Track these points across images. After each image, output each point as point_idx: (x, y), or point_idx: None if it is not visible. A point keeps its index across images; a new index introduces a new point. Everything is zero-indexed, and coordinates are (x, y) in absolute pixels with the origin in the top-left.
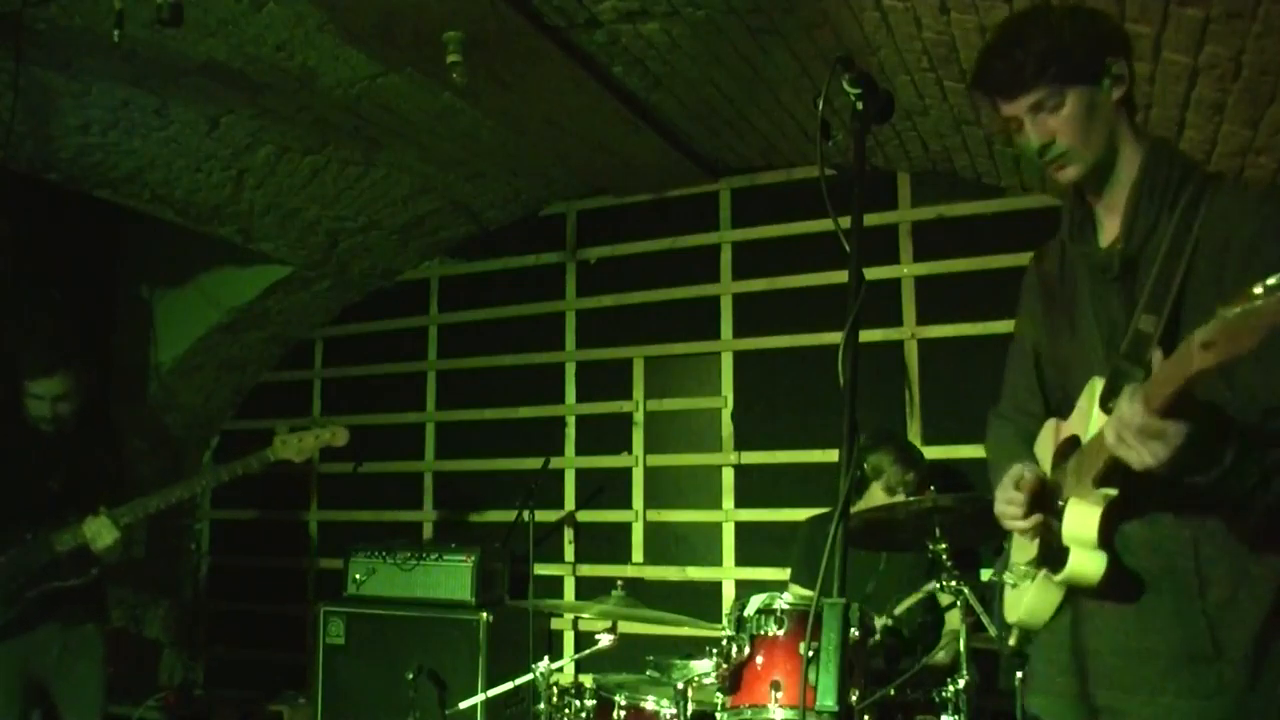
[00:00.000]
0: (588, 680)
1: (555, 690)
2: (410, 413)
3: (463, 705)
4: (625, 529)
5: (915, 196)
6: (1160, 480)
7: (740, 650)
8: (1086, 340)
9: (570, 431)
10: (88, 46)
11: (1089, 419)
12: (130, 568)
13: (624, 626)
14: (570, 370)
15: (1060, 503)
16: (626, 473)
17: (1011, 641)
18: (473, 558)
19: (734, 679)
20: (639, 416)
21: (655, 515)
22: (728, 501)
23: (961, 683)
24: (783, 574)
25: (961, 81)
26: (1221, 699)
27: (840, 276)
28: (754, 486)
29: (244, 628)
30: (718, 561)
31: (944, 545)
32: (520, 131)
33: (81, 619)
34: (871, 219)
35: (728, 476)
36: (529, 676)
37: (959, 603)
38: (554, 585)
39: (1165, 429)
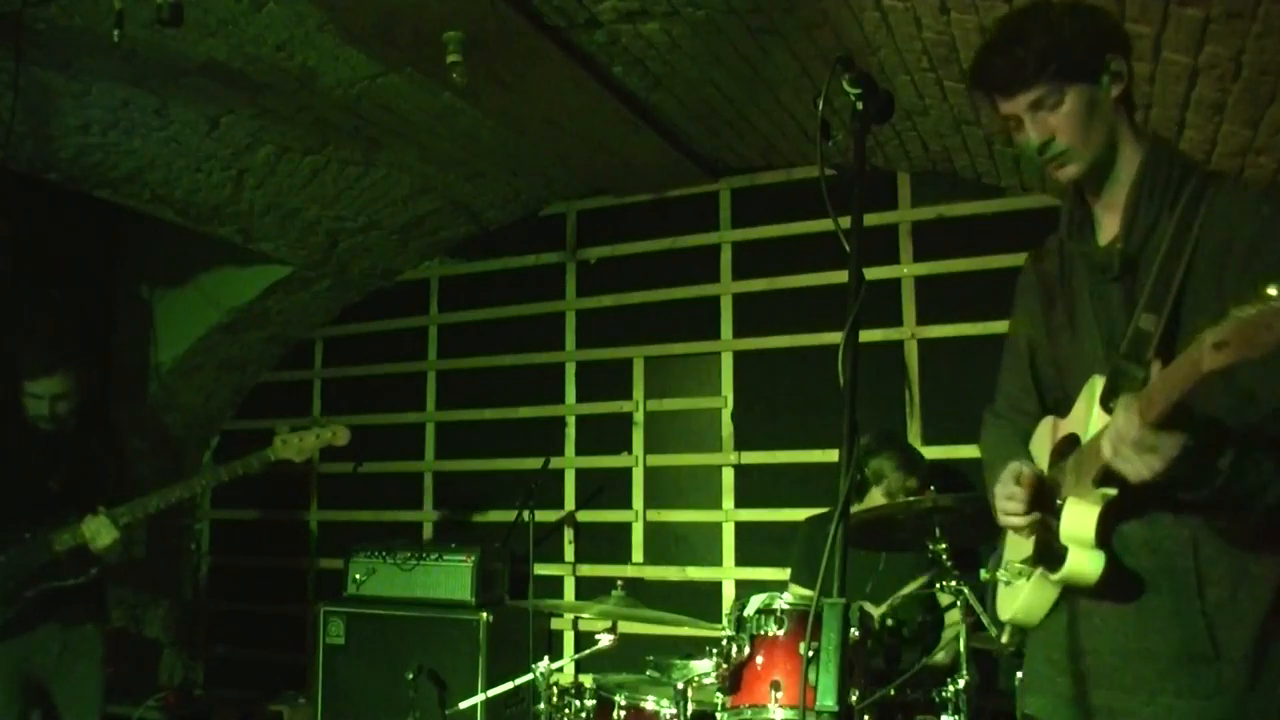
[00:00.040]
0: (588, 680)
1: (555, 690)
2: (410, 413)
3: (463, 705)
4: (625, 529)
5: (915, 196)
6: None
7: (740, 650)
8: (1086, 339)
9: (570, 431)
10: (88, 46)
11: (1088, 418)
12: (130, 568)
13: (624, 626)
14: (570, 370)
15: (1058, 501)
16: (626, 473)
17: (1004, 639)
18: (473, 558)
19: (734, 679)
20: (639, 416)
21: (655, 515)
22: (728, 501)
23: (961, 683)
24: (783, 574)
25: (961, 81)
26: (1221, 699)
27: (840, 276)
28: (754, 486)
29: (244, 628)
30: (718, 561)
31: (944, 545)
32: (520, 131)
33: (81, 619)
34: (871, 219)
35: (728, 476)
36: (529, 676)
37: (959, 603)
38: (554, 585)
39: (1159, 442)
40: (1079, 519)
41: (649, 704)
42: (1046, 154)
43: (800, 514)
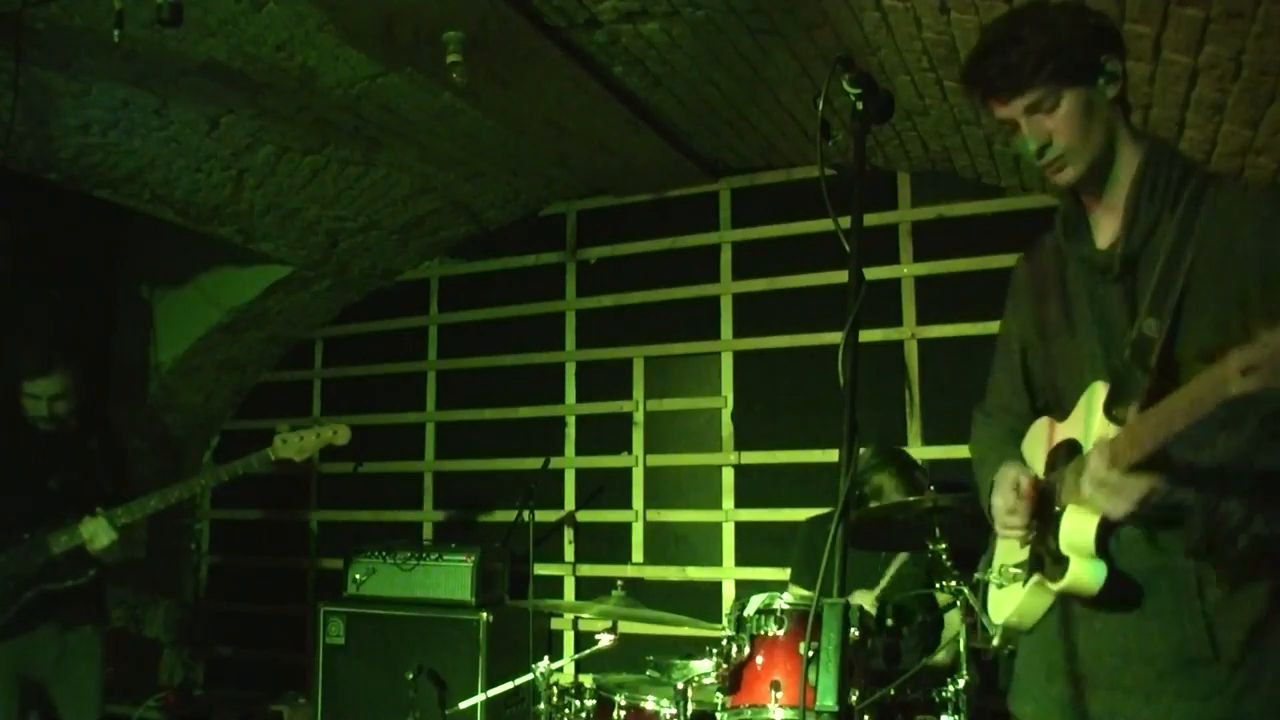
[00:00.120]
0: (588, 680)
1: (555, 690)
2: (410, 413)
3: (463, 705)
4: (625, 529)
5: (915, 196)
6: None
7: (740, 650)
8: (1084, 341)
9: (570, 431)
10: (88, 46)
11: (1089, 425)
12: (130, 568)
13: (624, 626)
14: (570, 370)
15: (1057, 508)
16: (626, 473)
17: (995, 642)
18: (473, 558)
19: (734, 679)
20: (639, 416)
21: (655, 515)
22: (728, 501)
23: (961, 683)
24: (783, 574)
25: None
26: (1220, 700)
27: (840, 276)
28: (754, 486)
29: (244, 628)
30: (718, 561)
31: (944, 545)
32: (520, 131)
33: (80, 620)
34: (871, 219)
35: (728, 476)
36: (529, 676)
37: (959, 603)
38: (554, 585)
39: (1124, 485)
40: (1079, 528)
41: (649, 704)
42: (1044, 158)
43: (800, 514)
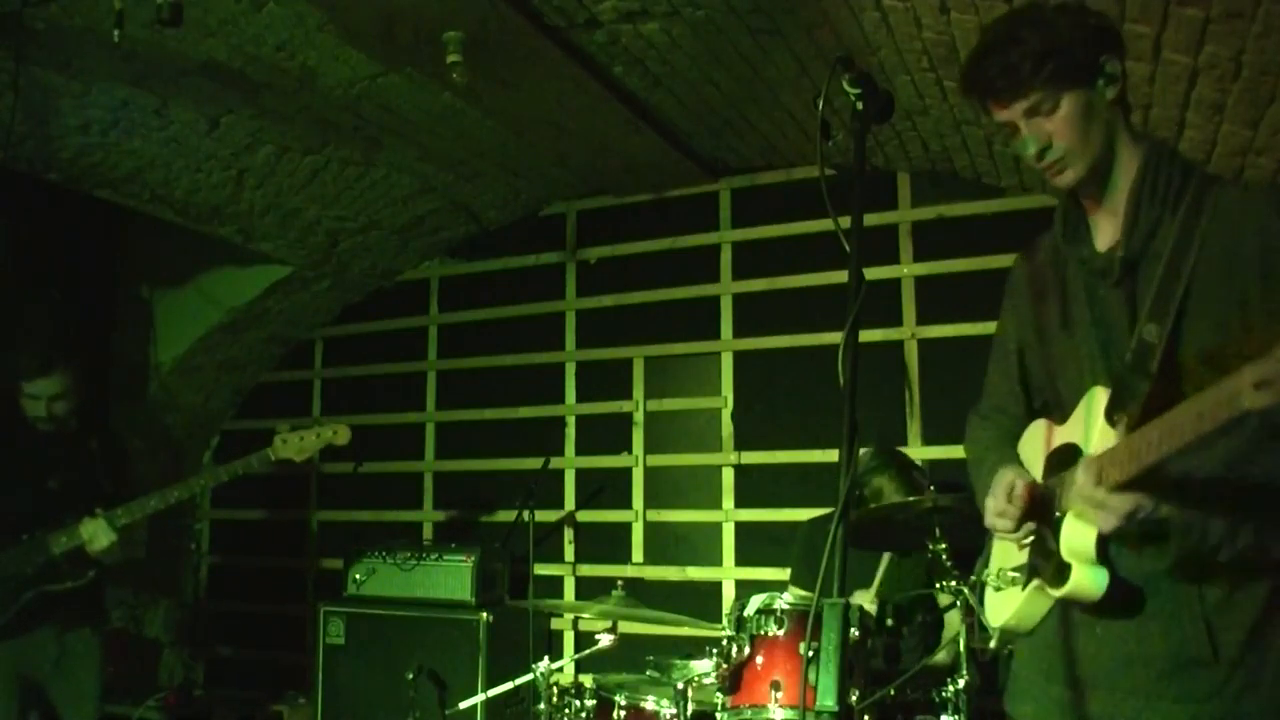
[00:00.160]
0: (588, 680)
1: (555, 690)
2: (410, 413)
3: (463, 705)
4: (625, 529)
5: (915, 196)
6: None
7: (740, 650)
8: (1082, 344)
9: (570, 431)
10: (88, 46)
11: (1090, 430)
12: (130, 568)
13: (624, 626)
14: (570, 370)
15: (1057, 514)
16: (626, 473)
17: (992, 644)
18: (473, 558)
19: (734, 679)
20: (639, 416)
21: (655, 515)
22: (728, 501)
23: (961, 683)
24: (783, 574)
25: None
26: (1220, 701)
27: (840, 276)
28: (754, 486)
29: (244, 628)
30: (718, 561)
31: (944, 545)
32: (520, 131)
33: (79, 621)
34: (871, 219)
35: (728, 476)
36: (529, 676)
37: (959, 603)
38: (554, 585)
39: (1110, 501)
40: (1080, 535)
41: (649, 704)
42: (1044, 160)
43: (800, 514)
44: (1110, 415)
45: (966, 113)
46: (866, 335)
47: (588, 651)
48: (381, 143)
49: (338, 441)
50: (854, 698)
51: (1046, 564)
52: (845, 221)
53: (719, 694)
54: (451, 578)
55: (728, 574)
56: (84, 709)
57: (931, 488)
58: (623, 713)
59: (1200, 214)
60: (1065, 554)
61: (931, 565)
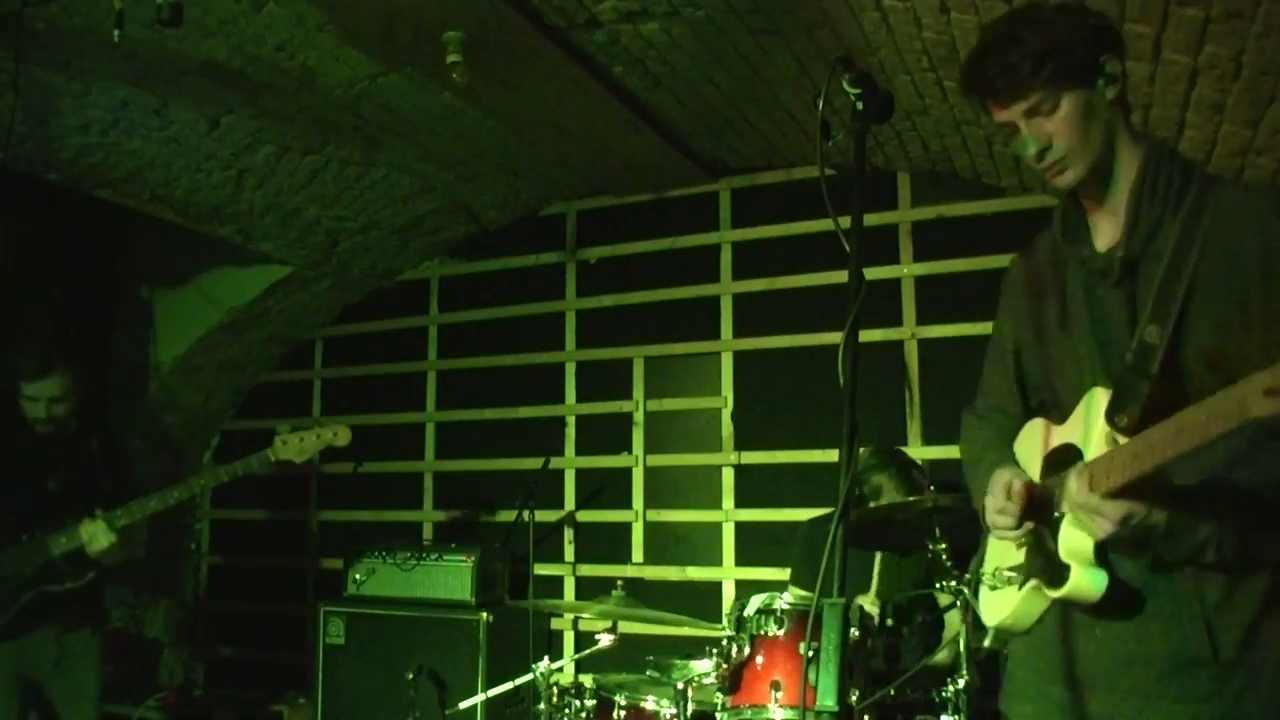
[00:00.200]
0: (588, 680)
1: (555, 690)
2: (410, 413)
3: (463, 705)
4: (625, 529)
5: (915, 196)
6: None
7: (740, 650)
8: (1081, 344)
9: (570, 431)
10: (88, 46)
11: (1089, 431)
12: (130, 568)
13: (624, 626)
14: (570, 370)
15: (1056, 514)
16: (626, 473)
17: (987, 643)
18: (473, 558)
19: (734, 679)
20: (639, 416)
21: (655, 515)
22: (728, 501)
23: (961, 683)
24: (783, 574)
25: None
26: (1220, 701)
27: (840, 276)
28: (754, 486)
29: (244, 628)
30: (718, 561)
31: (944, 545)
32: (520, 131)
33: (78, 622)
34: (871, 219)
35: (728, 476)
36: (529, 676)
37: (959, 603)
38: (554, 585)
39: (1103, 507)
40: (1079, 537)
41: (649, 704)
42: (1044, 160)
43: (800, 514)
44: (1111, 416)
45: (966, 113)
46: (866, 335)
47: (588, 651)
48: (381, 143)
49: (338, 443)
50: (854, 698)
51: (1044, 564)
52: (845, 221)
53: (719, 694)
54: (451, 578)
55: (728, 574)
56: (83, 709)
57: (931, 488)
58: (623, 713)
59: (1201, 215)
60: (1064, 555)
61: (931, 565)
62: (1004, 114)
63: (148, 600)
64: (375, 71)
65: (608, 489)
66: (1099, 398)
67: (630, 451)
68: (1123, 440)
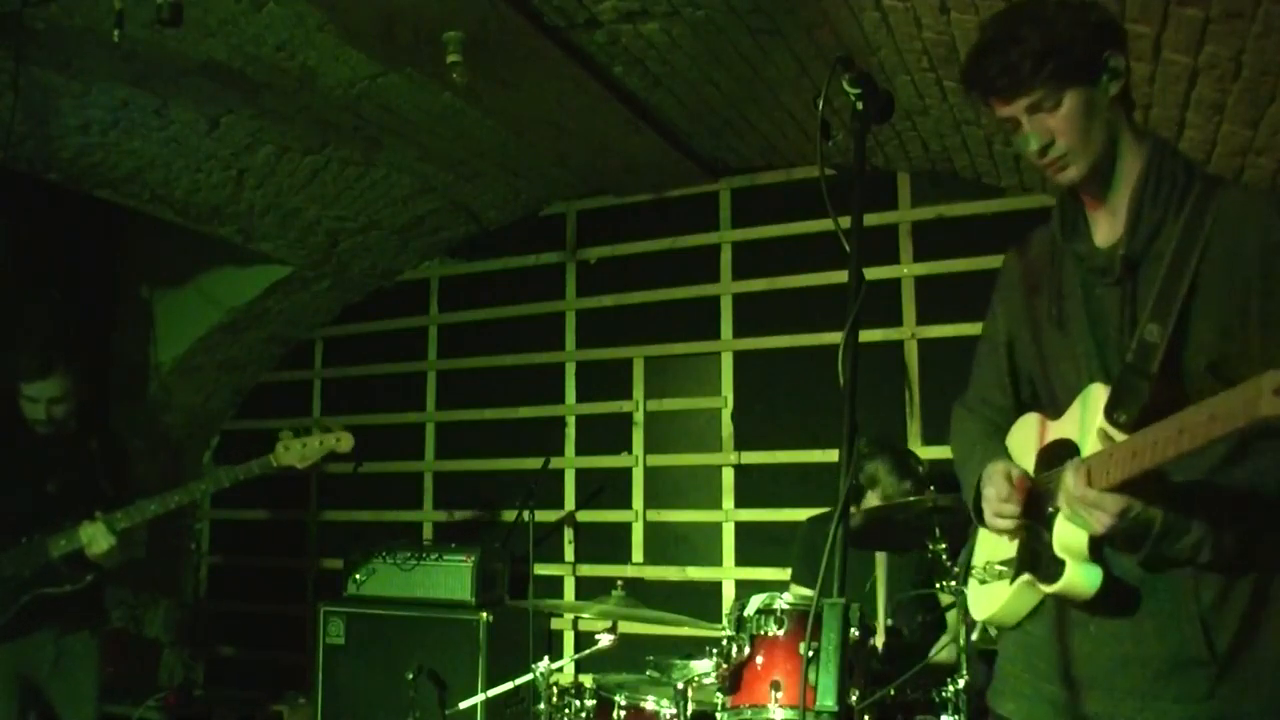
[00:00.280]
0: (588, 680)
1: (555, 690)
2: (410, 413)
3: (463, 705)
4: (625, 529)
5: (915, 196)
6: (1157, 493)
7: (740, 650)
8: (1078, 341)
9: (570, 431)
10: (88, 46)
11: (1086, 427)
12: (130, 568)
13: (624, 626)
14: (570, 370)
15: (1050, 509)
16: (626, 473)
17: (974, 637)
18: (473, 558)
19: (734, 679)
20: (639, 416)
21: (655, 515)
22: (728, 501)
23: (961, 683)
24: (782, 574)
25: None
26: (1218, 701)
27: (840, 276)
28: (754, 486)
29: (244, 628)
30: (718, 561)
31: (944, 545)
32: (520, 131)
33: (77, 624)
34: (871, 219)
35: (728, 476)
36: (529, 676)
37: (959, 603)
38: (554, 585)
39: (1102, 501)
40: (1074, 532)
41: (649, 704)
42: (1046, 156)
43: (800, 514)
44: (1110, 413)
45: (967, 113)
46: (866, 335)
47: (588, 651)
48: (381, 143)
49: (340, 449)
50: (854, 698)
51: (1038, 559)
52: (845, 221)
53: (719, 694)
54: (451, 578)
55: (728, 574)
56: (83, 710)
57: (931, 487)
58: (623, 713)
59: (1204, 216)
60: (1058, 549)
61: (932, 565)
62: (1006, 109)
63: (148, 600)
64: (375, 71)
65: (608, 489)
66: (1097, 394)
67: (630, 451)
68: (1121, 437)
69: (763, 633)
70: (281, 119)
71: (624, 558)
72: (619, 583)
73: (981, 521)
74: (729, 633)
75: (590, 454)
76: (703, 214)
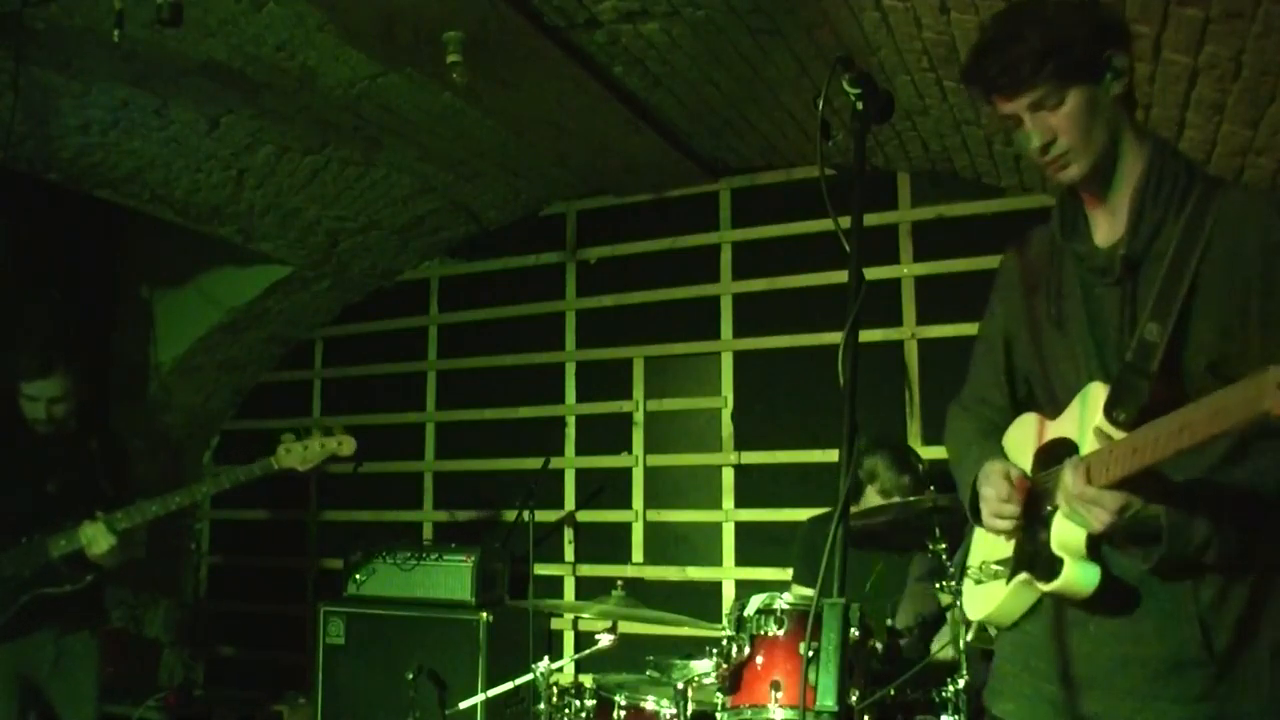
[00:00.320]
0: (588, 680)
1: (555, 690)
2: (410, 413)
3: (463, 705)
4: (625, 529)
5: (915, 196)
6: (1157, 492)
7: (740, 650)
8: (1077, 341)
9: (570, 431)
10: (88, 46)
11: (1085, 426)
12: (130, 567)
13: (624, 626)
14: (570, 370)
15: (1048, 508)
16: (626, 473)
17: (969, 637)
18: (473, 558)
19: (734, 679)
20: (639, 416)
21: (655, 515)
22: (728, 501)
23: (961, 683)
24: (782, 574)
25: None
26: (1217, 701)
27: (840, 276)
28: (754, 486)
29: (244, 628)
30: (718, 561)
31: (944, 545)
32: (520, 131)
33: (77, 625)
34: (871, 219)
35: (728, 476)
36: (529, 676)
37: (959, 602)
38: (554, 585)
39: (1101, 498)
40: (1073, 530)
41: (649, 704)
42: (1048, 155)
43: (800, 514)
44: (1110, 412)
45: (967, 113)
46: (866, 335)
47: (588, 651)
48: (381, 143)
49: (342, 453)
50: (854, 698)
51: (1035, 558)
52: (845, 221)
53: (719, 694)
54: (451, 578)
55: (728, 574)
56: (83, 710)
57: (931, 487)
58: (623, 713)
59: (1204, 217)
60: (1056, 548)
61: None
62: (1009, 106)
63: (148, 600)
64: (375, 71)
65: (608, 489)
66: (1096, 392)
67: (630, 451)
68: (1120, 435)
69: (763, 633)
70: (281, 119)
71: (624, 558)
72: (619, 583)
73: (978, 521)
74: (729, 633)
75: (590, 454)
76: (703, 214)
